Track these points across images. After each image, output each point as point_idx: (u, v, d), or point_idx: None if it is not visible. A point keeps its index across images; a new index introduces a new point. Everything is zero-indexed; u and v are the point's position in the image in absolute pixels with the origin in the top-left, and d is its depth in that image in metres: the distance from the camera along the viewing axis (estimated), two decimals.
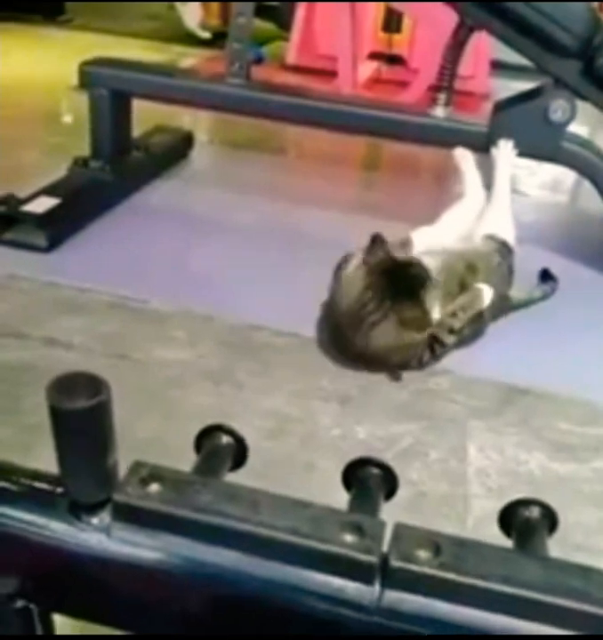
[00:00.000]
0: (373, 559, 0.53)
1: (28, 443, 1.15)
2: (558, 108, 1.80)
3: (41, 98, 3.08)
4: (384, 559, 0.54)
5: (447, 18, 1.94)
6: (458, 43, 1.90)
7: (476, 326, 1.53)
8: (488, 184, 1.84)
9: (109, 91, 2.04)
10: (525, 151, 1.85)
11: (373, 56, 3.75)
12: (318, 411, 1.37)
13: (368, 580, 0.54)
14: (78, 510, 0.57)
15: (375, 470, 0.67)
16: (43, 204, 1.89)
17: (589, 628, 0.52)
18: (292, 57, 3.74)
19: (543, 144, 1.85)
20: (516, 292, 1.67)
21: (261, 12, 2.98)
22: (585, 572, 0.55)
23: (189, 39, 4.11)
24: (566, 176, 2.46)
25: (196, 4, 4.11)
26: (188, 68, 3.49)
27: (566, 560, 0.57)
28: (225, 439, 0.70)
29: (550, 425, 1.39)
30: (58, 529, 0.58)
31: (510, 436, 1.35)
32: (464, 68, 2.20)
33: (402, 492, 0.69)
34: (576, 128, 1.91)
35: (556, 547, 0.63)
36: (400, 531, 0.55)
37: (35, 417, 1.21)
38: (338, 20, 3.31)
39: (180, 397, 1.38)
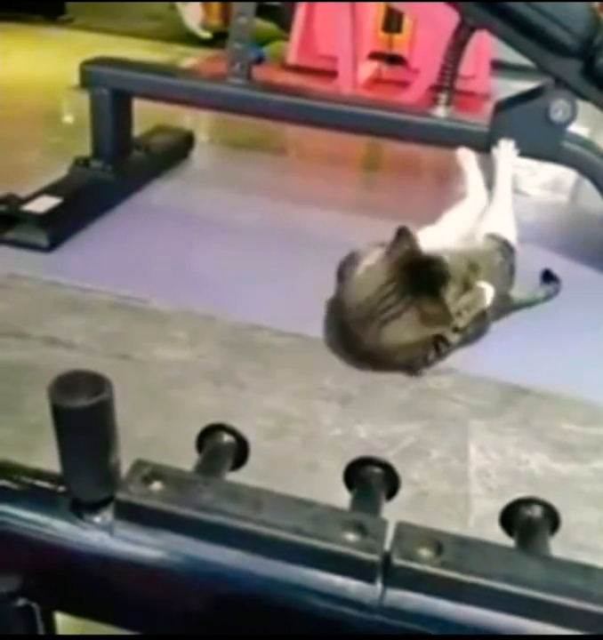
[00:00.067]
0: (375, 558, 0.53)
1: (30, 442, 1.15)
2: (558, 108, 1.80)
3: (42, 98, 3.08)
4: (386, 558, 0.54)
5: (448, 18, 1.94)
6: (459, 43, 1.90)
7: (479, 325, 1.53)
8: (489, 184, 1.84)
9: (110, 90, 2.04)
10: (526, 151, 1.85)
11: (374, 56, 3.75)
12: (320, 410, 1.37)
13: (370, 579, 0.54)
14: (80, 509, 0.57)
15: (377, 470, 0.67)
16: (44, 204, 1.89)
17: (591, 627, 0.52)
18: (292, 57, 3.74)
19: (544, 144, 1.85)
20: (518, 292, 1.67)
21: (262, 12, 2.98)
22: (587, 571, 0.56)
23: (190, 39, 4.11)
24: (567, 176, 2.47)
25: (197, 4, 4.11)
26: (188, 68, 3.49)
27: (567, 559, 0.57)
28: (226, 438, 0.70)
29: (551, 425, 1.39)
30: (60, 528, 0.58)
31: (511, 436, 1.35)
32: (465, 67, 2.20)
33: (403, 492, 0.69)
34: (577, 128, 1.91)
35: (557, 546, 0.63)
36: (402, 529, 0.56)
37: (36, 417, 1.21)
38: (338, 20, 3.31)
39: (180, 397, 1.38)
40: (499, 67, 3.49)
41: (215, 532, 0.55)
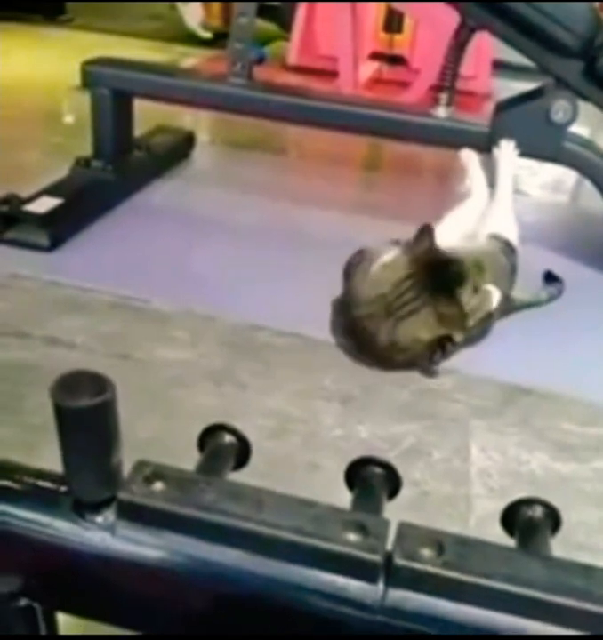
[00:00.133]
0: (376, 558, 0.53)
1: (31, 442, 1.15)
2: (559, 108, 1.80)
3: (42, 98, 3.09)
4: (388, 558, 0.54)
5: (449, 18, 1.94)
6: (460, 43, 1.90)
7: (484, 326, 1.53)
8: (490, 184, 1.84)
9: (111, 90, 2.04)
10: (526, 151, 1.85)
11: (375, 56, 3.75)
12: (321, 410, 1.37)
13: (372, 579, 0.54)
14: (82, 509, 0.57)
15: (378, 470, 0.67)
16: (45, 204, 1.89)
17: (592, 627, 0.52)
18: (292, 57, 3.74)
19: (545, 144, 1.85)
20: (519, 293, 1.67)
21: (263, 12, 2.98)
22: (588, 571, 0.56)
23: (191, 39, 4.11)
24: (568, 176, 2.47)
25: (198, 4, 4.11)
26: (189, 68, 3.49)
27: (568, 559, 0.57)
28: (228, 438, 0.70)
29: (551, 425, 1.39)
30: (62, 527, 0.58)
31: (511, 436, 1.35)
32: (466, 68, 2.20)
33: (405, 492, 0.69)
34: (578, 128, 1.91)
35: (558, 546, 0.63)
36: (404, 530, 0.56)
37: (37, 417, 1.21)
38: (339, 21, 3.31)
39: (181, 397, 1.38)
40: (500, 67, 3.49)
41: (217, 532, 0.55)
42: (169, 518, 0.55)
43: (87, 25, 4.30)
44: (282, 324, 1.59)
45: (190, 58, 3.92)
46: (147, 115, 2.29)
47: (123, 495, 0.56)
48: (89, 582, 0.59)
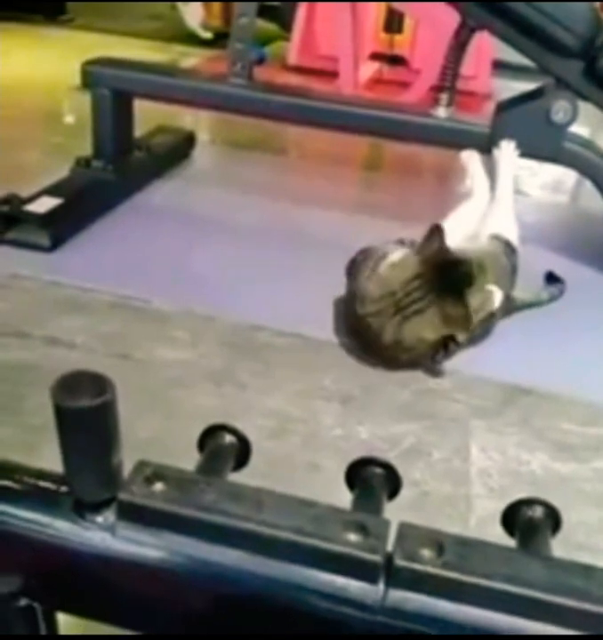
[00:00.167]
0: (377, 558, 0.53)
1: (31, 443, 1.15)
2: (560, 108, 1.80)
3: (42, 98, 3.09)
4: (388, 558, 0.54)
5: (449, 18, 1.94)
6: (460, 43, 1.90)
7: (485, 326, 1.54)
8: (491, 184, 1.84)
9: (111, 90, 2.04)
10: (527, 152, 1.85)
11: (375, 56, 3.75)
12: (321, 410, 1.37)
13: (372, 580, 0.54)
14: (83, 509, 0.57)
15: (378, 470, 0.67)
16: (45, 204, 1.89)
17: (592, 628, 0.52)
18: (293, 57, 3.74)
19: (545, 145, 1.85)
20: (520, 293, 1.67)
21: (263, 12, 2.98)
22: (588, 571, 0.56)
23: (191, 39, 4.11)
24: (568, 176, 2.47)
25: (198, 4, 4.11)
26: (189, 69, 3.49)
27: (569, 560, 0.57)
28: (228, 439, 0.70)
29: (551, 425, 1.39)
30: (62, 528, 0.58)
31: (511, 436, 1.35)
32: (466, 68, 2.20)
33: (405, 492, 0.69)
34: (578, 128, 1.91)
35: (558, 546, 0.63)
36: (404, 530, 0.56)
37: (38, 417, 1.21)
38: (339, 21, 3.31)
39: (181, 397, 1.38)
40: (500, 67, 3.49)
41: (217, 533, 0.55)
42: (169, 519, 0.55)
43: (88, 25, 4.30)
44: (282, 324, 1.59)
45: (191, 58, 3.92)
46: (147, 115, 2.29)
47: (123, 495, 0.56)
48: (89, 582, 0.59)
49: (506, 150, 1.84)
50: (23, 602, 0.60)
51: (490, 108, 2.01)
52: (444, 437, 1.33)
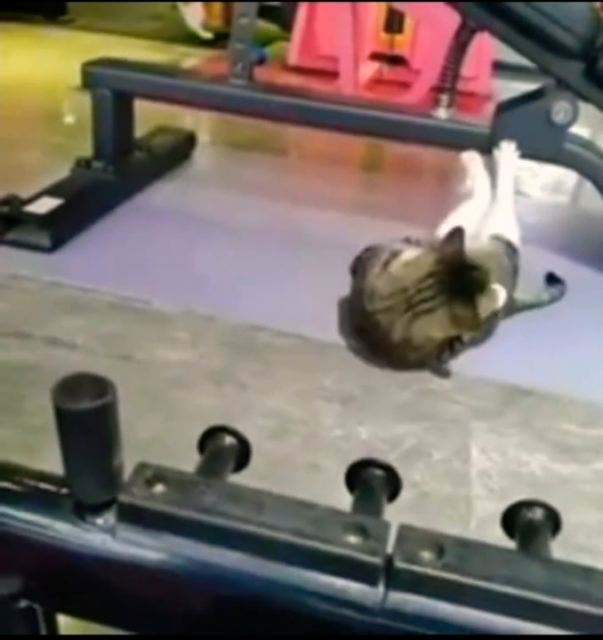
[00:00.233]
0: (377, 560, 0.53)
1: (32, 444, 1.15)
2: (560, 109, 1.80)
3: (43, 98, 3.09)
4: (388, 560, 0.54)
5: (449, 18, 1.94)
6: (460, 44, 1.90)
7: (488, 326, 1.54)
8: (491, 185, 1.84)
9: (112, 91, 2.04)
10: (527, 153, 1.85)
11: (375, 57, 3.74)
12: (321, 411, 1.37)
13: (372, 582, 0.54)
14: (83, 511, 0.57)
15: (378, 471, 0.67)
16: (45, 205, 1.89)
17: (592, 630, 0.52)
18: (293, 58, 3.74)
19: (546, 145, 1.85)
20: (521, 293, 1.68)
21: (264, 12, 2.98)
22: (588, 573, 0.56)
23: (192, 39, 4.11)
24: (568, 177, 2.47)
25: (199, 4, 4.11)
26: (190, 69, 3.49)
27: (569, 562, 0.57)
28: (228, 440, 0.70)
29: (551, 426, 1.39)
30: (62, 529, 0.58)
31: (511, 437, 1.35)
32: (466, 68, 2.20)
33: (405, 493, 0.69)
34: (578, 129, 1.91)
35: (558, 548, 0.63)
36: (404, 532, 0.56)
37: (38, 418, 1.22)
38: (339, 21, 3.31)
39: (182, 398, 1.38)
40: (500, 67, 3.49)
41: (217, 535, 0.55)
42: (169, 521, 0.55)
43: (88, 25, 4.30)
44: (282, 325, 1.59)
45: (191, 58, 3.92)
46: (147, 115, 2.29)
47: (123, 497, 0.56)
48: (90, 584, 0.59)
49: (506, 151, 1.84)
50: (23, 603, 0.60)
51: (490, 108, 2.01)
52: (444, 438, 1.33)
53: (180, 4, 4.16)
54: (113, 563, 0.57)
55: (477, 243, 1.65)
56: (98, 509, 0.57)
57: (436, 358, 1.48)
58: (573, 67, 1.79)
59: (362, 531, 0.55)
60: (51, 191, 1.96)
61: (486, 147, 1.87)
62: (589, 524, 1.18)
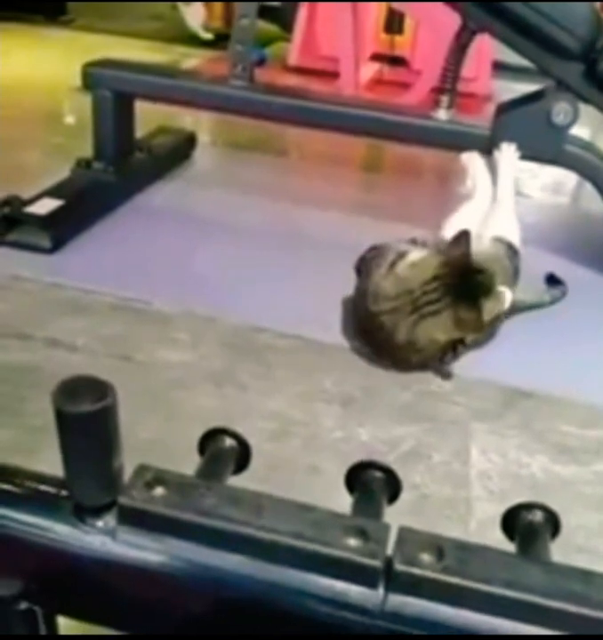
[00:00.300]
0: (377, 563, 0.54)
1: (32, 445, 1.15)
2: (560, 110, 1.80)
3: (43, 98, 3.09)
4: (388, 563, 0.54)
5: (450, 19, 1.94)
6: (461, 46, 1.90)
7: (492, 328, 1.54)
8: (491, 185, 1.84)
9: (112, 92, 2.04)
10: (527, 154, 1.85)
11: (376, 57, 3.74)
12: (321, 413, 1.37)
13: (372, 584, 0.54)
14: (83, 513, 0.58)
15: (378, 474, 0.68)
16: (46, 206, 1.89)
17: (591, 633, 0.52)
18: (293, 58, 3.74)
19: (546, 147, 1.85)
20: (522, 294, 1.68)
21: (264, 13, 2.98)
22: (587, 576, 0.56)
23: (192, 40, 4.11)
24: (568, 178, 2.47)
25: (199, 4, 4.11)
26: (190, 70, 3.49)
27: (568, 564, 0.57)
28: (228, 442, 0.71)
29: (551, 427, 1.39)
30: (62, 531, 0.58)
31: (512, 439, 1.35)
32: (467, 69, 2.20)
33: (405, 495, 0.69)
34: (578, 130, 1.91)
35: (558, 549, 0.64)
36: (404, 534, 0.56)
37: (38, 419, 1.22)
38: (340, 21, 3.31)
39: (182, 399, 1.38)
40: (500, 68, 3.49)
41: (217, 537, 0.55)
42: (169, 523, 0.56)
43: (88, 25, 4.30)
44: (283, 326, 1.59)
45: (191, 59, 3.92)
46: (148, 116, 2.29)
47: (123, 500, 0.56)
48: (90, 586, 0.59)
49: (507, 152, 1.84)
50: (24, 605, 0.60)
51: (490, 109, 2.01)
52: (444, 440, 1.33)
53: (180, 4, 4.16)
54: (113, 565, 0.57)
55: (479, 245, 1.65)
56: (98, 512, 0.57)
57: (438, 360, 1.48)
58: (573, 68, 1.79)
59: (362, 533, 0.55)
60: (51, 192, 1.96)
61: (487, 148, 1.87)
62: (589, 526, 1.18)
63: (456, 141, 1.92)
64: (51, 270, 1.74)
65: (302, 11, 3.66)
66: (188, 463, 0.66)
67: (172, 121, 2.59)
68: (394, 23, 3.70)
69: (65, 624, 0.66)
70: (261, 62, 3.57)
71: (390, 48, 3.71)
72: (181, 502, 0.56)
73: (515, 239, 1.70)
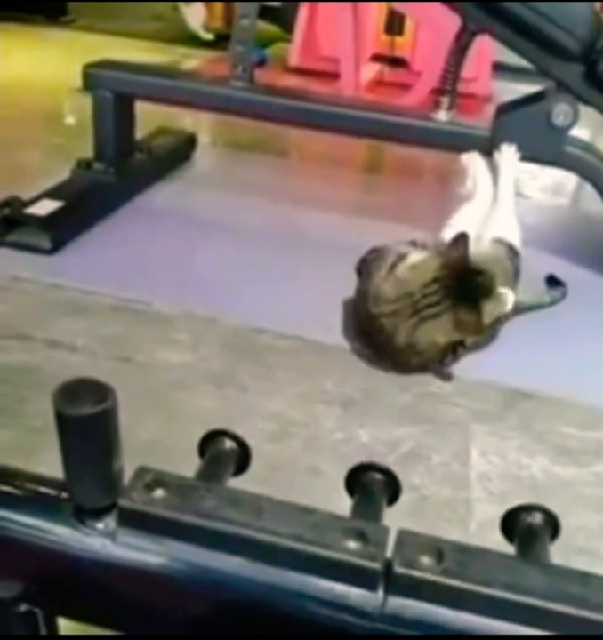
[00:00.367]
0: (376, 566, 0.54)
1: (32, 446, 1.15)
2: (560, 112, 1.80)
3: (43, 99, 3.09)
4: (388, 565, 0.54)
5: (449, 20, 1.94)
6: (461, 47, 1.90)
7: (493, 329, 1.54)
8: (492, 186, 1.84)
9: (113, 93, 2.05)
10: (527, 155, 1.85)
11: (376, 58, 3.75)
12: (321, 414, 1.37)
13: (372, 587, 0.54)
14: (83, 515, 0.58)
15: (378, 475, 0.68)
16: (46, 207, 1.89)
17: (590, 635, 0.52)
18: (294, 59, 3.74)
19: (546, 148, 1.85)
20: (522, 295, 1.68)
21: (264, 13, 2.98)
22: (586, 578, 0.56)
23: (192, 40, 4.11)
24: (568, 179, 2.47)
25: (200, 5, 4.11)
26: (191, 71, 3.49)
27: (568, 567, 0.57)
28: (228, 444, 0.71)
29: (551, 429, 1.39)
30: (63, 534, 0.58)
31: (512, 440, 1.35)
32: (467, 70, 2.20)
33: (405, 497, 0.69)
34: (578, 131, 1.91)
35: (558, 550, 0.64)
36: (403, 537, 0.56)
37: (39, 420, 1.22)
38: (340, 22, 3.31)
39: (182, 400, 1.38)
40: (500, 69, 3.49)
41: (217, 539, 0.55)
42: (169, 525, 0.56)
43: (89, 26, 4.30)
44: (283, 327, 1.60)
45: (192, 59, 3.92)
46: (148, 117, 2.30)
47: (123, 502, 0.56)
48: (90, 588, 0.59)
49: (507, 153, 1.84)
50: (24, 607, 0.60)
51: (490, 110, 2.02)
52: (444, 441, 1.33)
53: (181, 4, 4.16)
54: (113, 567, 0.57)
55: (480, 246, 1.65)
56: (98, 514, 0.57)
57: (438, 362, 1.48)
58: (573, 69, 1.79)
59: (361, 536, 0.55)
60: (51, 193, 1.96)
61: (487, 149, 1.87)
62: (589, 527, 1.18)
63: (456, 142, 1.92)
64: (51, 271, 1.75)
65: (303, 11, 3.66)
66: (188, 464, 0.66)
67: (172, 122, 2.60)
68: (394, 24, 3.70)
69: (65, 626, 0.66)
70: (262, 63, 3.57)
71: (391, 49, 3.72)
72: (181, 504, 0.56)
73: (515, 240, 1.70)
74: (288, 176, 2.59)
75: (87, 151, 2.12)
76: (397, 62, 3.73)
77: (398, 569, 0.53)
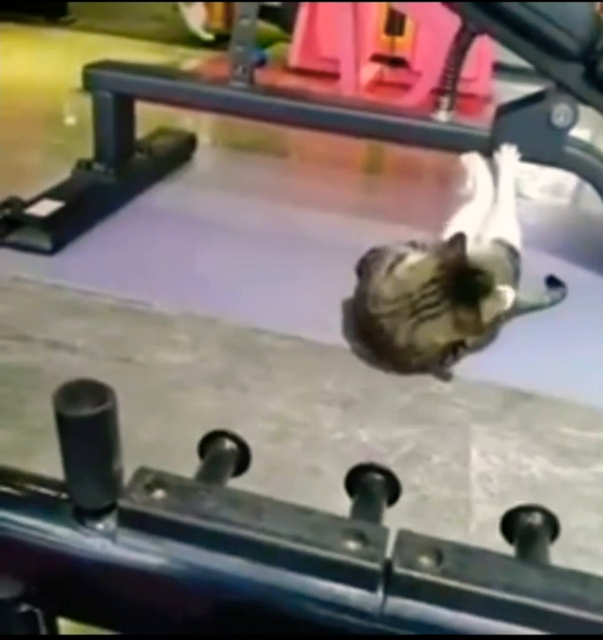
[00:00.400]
0: (376, 566, 0.54)
1: (32, 446, 1.15)
2: (560, 112, 1.80)
3: (44, 99, 3.09)
4: (387, 566, 0.54)
5: (449, 21, 1.94)
6: (461, 47, 1.90)
7: (493, 329, 1.54)
8: (492, 187, 1.84)
9: (113, 93, 2.05)
10: (527, 155, 1.85)
11: (376, 58, 3.75)
12: (321, 414, 1.37)
13: (371, 587, 0.54)
14: (83, 516, 0.58)
15: (378, 476, 0.68)
16: (46, 207, 1.89)
17: (590, 635, 0.52)
18: (294, 59, 3.74)
19: (546, 148, 1.85)
20: (522, 296, 1.68)
21: (264, 13, 2.98)
22: (586, 579, 0.56)
23: (193, 41, 4.11)
24: (568, 179, 2.47)
25: (200, 5, 4.11)
26: (191, 71, 3.50)
27: (567, 568, 0.57)
28: (228, 444, 0.71)
29: (551, 429, 1.39)
30: (63, 534, 0.58)
31: (512, 441, 1.35)
32: (467, 70, 2.20)
33: (404, 497, 0.69)
34: (578, 132, 1.91)
35: (558, 550, 0.64)
36: (403, 537, 0.56)
37: (38, 420, 1.22)
38: (340, 22, 3.31)
39: (182, 400, 1.38)
40: (500, 69, 3.49)
41: (217, 540, 0.55)
42: (169, 526, 0.56)
43: (89, 26, 4.30)
44: (283, 327, 1.60)
45: (192, 60, 3.92)
46: (148, 117, 2.30)
47: (123, 503, 0.56)
48: (90, 589, 0.59)
49: (507, 154, 1.84)
50: (24, 608, 0.60)
51: (490, 110, 2.02)
52: (444, 441, 1.33)
53: (181, 4, 4.16)
54: (113, 568, 0.57)
55: (479, 247, 1.65)
56: (98, 514, 0.57)
57: (439, 362, 1.48)
58: (573, 70, 1.79)
59: (361, 536, 0.55)
60: (52, 193, 1.96)
61: (487, 149, 1.87)
62: (589, 527, 1.18)
63: (456, 143, 1.92)
64: (51, 272, 1.75)
65: (303, 11, 3.66)
66: (188, 465, 0.66)
67: (172, 122, 2.60)
68: (394, 24, 3.70)
69: (65, 626, 0.66)
70: (262, 63, 3.57)
71: (391, 49, 3.72)
72: (181, 505, 0.56)
73: (515, 241, 1.70)
74: (288, 176, 2.59)
75: (87, 152, 2.12)
76: (397, 62, 3.73)
77: (398, 569, 0.53)
